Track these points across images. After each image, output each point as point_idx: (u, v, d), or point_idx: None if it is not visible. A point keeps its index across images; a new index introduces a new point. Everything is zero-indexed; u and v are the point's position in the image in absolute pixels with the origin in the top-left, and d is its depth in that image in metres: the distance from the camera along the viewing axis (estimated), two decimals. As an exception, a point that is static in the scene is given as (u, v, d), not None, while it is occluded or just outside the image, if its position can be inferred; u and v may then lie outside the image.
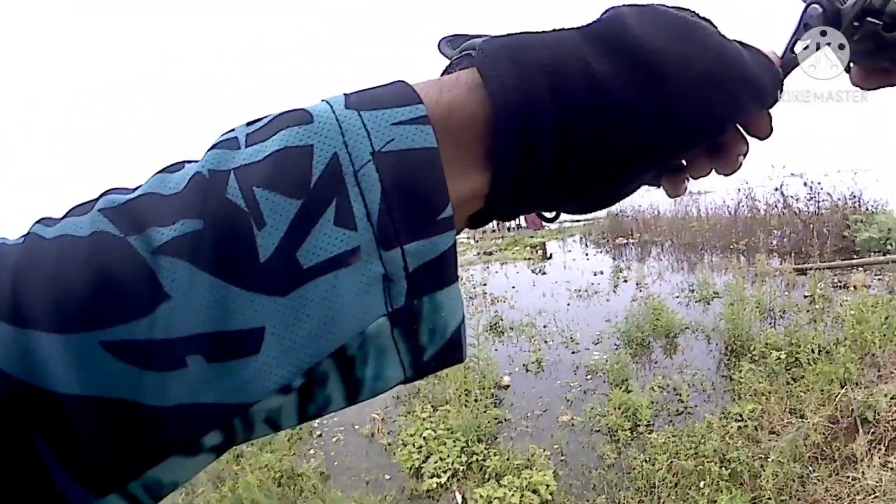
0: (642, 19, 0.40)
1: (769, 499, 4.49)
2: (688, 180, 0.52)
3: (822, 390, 5.79)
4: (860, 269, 12.43)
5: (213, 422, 0.32)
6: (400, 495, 5.92)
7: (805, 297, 10.24)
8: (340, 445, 7.18)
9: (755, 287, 10.76)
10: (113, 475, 0.31)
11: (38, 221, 0.35)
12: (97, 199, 0.35)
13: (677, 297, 11.41)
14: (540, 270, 17.50)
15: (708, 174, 0.50)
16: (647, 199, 25.80)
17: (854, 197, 17.37)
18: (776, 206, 18.56)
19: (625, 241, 22.61)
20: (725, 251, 17.29)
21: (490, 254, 23.87)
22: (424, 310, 0.35)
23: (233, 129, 0.37)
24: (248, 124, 0.37)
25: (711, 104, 0.40)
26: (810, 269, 12.68)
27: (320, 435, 7.45)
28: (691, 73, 0.40)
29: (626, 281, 13.67)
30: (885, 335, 7.13)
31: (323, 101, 0.37)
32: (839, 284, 11.15)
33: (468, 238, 35.68)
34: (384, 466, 6.46)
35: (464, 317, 0.41)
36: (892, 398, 5.35)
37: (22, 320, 0.30)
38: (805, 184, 17.94)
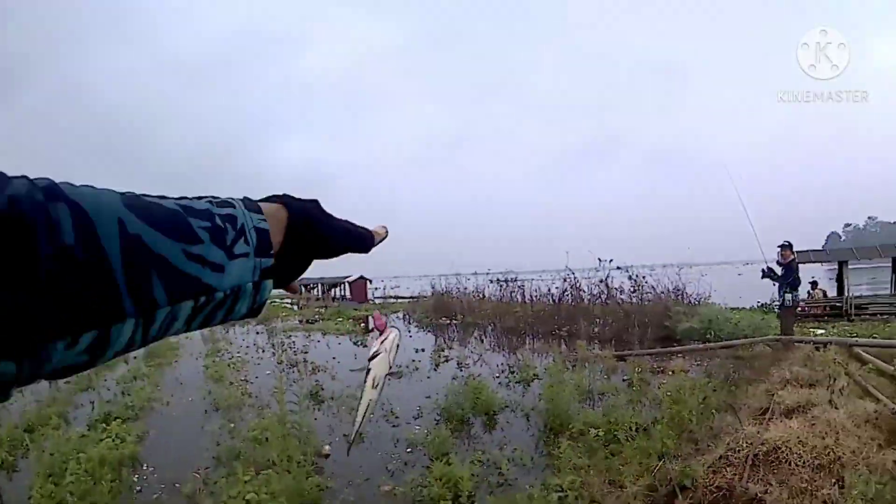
0: (318, 207, 0.78)
1: None
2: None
3: (641, 463, 6.07)
4: (679, 355, 13.04)
5: (200, 292, 0.58)
6: None
7: (624, 380, 10.72)
8: (159, 505, 6.84)
9: (576, 371, 11.10)
10: (159, 301, 0.54)
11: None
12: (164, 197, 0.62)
13: (497, 377, 11.59)
14: (362, 343, 17.39)
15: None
16: (473, 282, 26.44)
17: (677, 290, 18.82)
18: (601, 296, 19.65)
19: (448, 322, 22.88)
20: (548, 336, 17.72)
21: (312, 322, 23.56)
22: (263, 285, 0.67)
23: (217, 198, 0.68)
24: (214, 201, 0.66)
25: (359, 241, 0.83)
26: (630, 355, 13.38)
27: (140, 490, 7.01)
28: (352, 231, 0.82)
29: (447, 360, 13.80)
30: (702, 413, 7.69)
31: (237, 199, 0.69)
32: (658, 370, 11.76)
33: (291, 304, 35.31)
34: None
35: (271, 291, 0.71)
36: (708, 467, 5.75)
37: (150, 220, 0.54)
38: (630, 277, 19.25)
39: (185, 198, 0.65)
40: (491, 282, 26.34)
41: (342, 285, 37.04)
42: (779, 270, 13.40)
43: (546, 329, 18.73)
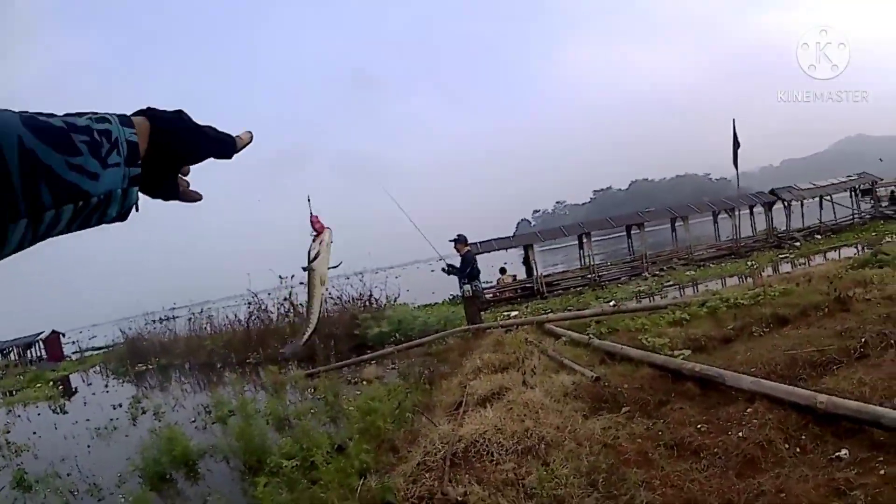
0: (180, 116, 0.92)
1: None
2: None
3: (342, 485, 5.79)
4: (371, 363, 13.27)
5: (79, 196, 0.73)
6: None
7: (318, 398, 10.76)
8: None
9: (273, 398, 11.14)
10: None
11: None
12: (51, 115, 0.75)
13: (193, 421, 11.54)
14: (61, 409, 16.55)
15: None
16: (163, 324, 25.44)
17: (362, 297, 18.73)
18: (287, 314, 19.24)
19: (144, 367, 22.16)
20: (242, 365, 17.50)
21: (13, 393, 21.91)
22: (130, 192, 0.81)
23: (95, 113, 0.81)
24: (94, 117, 0.80)
25: (222, 145, 0.98)
26: (320, 371, 13.32)
27: None
28: (214, 136, 0.96)
29: (144, 412, 13.47)
30: (397, 419, 7.65)
31: (115, 115, 0.82)
32: (354, 381, 11.91)
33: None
34: None
35: (137, 197, 0.85)
36: (409, 476, 5.61)
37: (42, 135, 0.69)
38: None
39: (70, 114, 0.77)
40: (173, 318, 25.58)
41: (36, 345, 34.01)
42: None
43: (239, 357, 18.53)
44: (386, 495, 5.35)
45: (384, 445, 6.99)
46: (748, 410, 5.27)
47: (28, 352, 34.68)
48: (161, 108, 0.89)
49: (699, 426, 5.33)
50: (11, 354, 35.69)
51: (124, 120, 0.82)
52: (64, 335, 35.75)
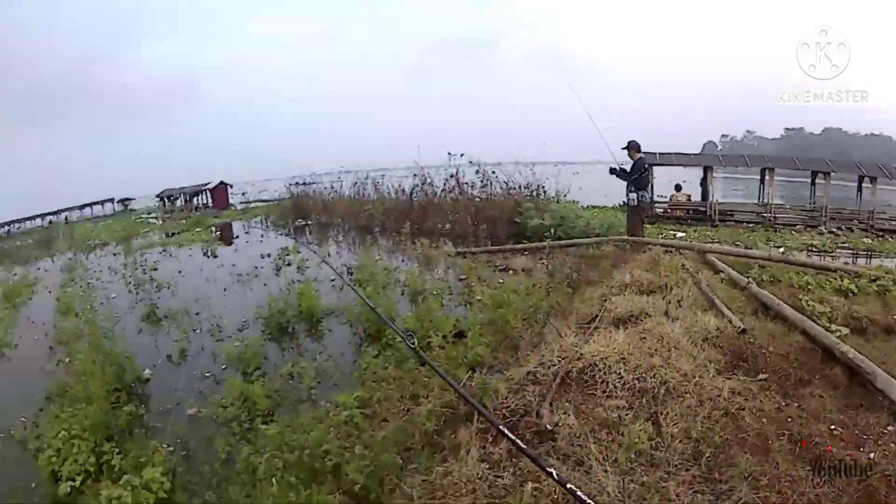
0: None
1: (360, 487, 4.28)
2: None
3: (449, 373, 5.44)
4: (523, 253, 12.72)
5: None
6: (40, 501, 5.52)
7: (461, 280, 10.52)
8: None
9: (416, 271, 10.96)
10: None
11: None
12: None
13: (333, 280, 11.40)
14: (212, 253, 17.01)
15: None
16: (329, 179, 25.78)
17: (530, 186, 18.00)
18: (452, 191, 18.97)
19: (303, 223, 22.48)
20: (397, 233, 17.25)
21: (172, 236, 22.67)
22: None
23: None
24: None
25: None
26: (471, 252, 13.09)
27: None
28: None
29: (289, 264, 13.56)
30: (530, 317, 7.26)
31: None
32: (501, 268, 11.47)
33: (154, 217, 33.89)
34: (30, 474, 5.88)
35: None
36: (514, 383, 5.31)
37: None
38: (476, 171, 18.46)
39: None
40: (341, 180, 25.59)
41: (203, 193, 35.43)
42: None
43: (396, 227, 18.11)
44: (483, 397, 5.02)
45: (507, 342, 6.65)
46: (889, 428, 4.42)
47: (195, 199, 36.28)
48: None
49: (833, 427, 4.49)
50: (178, 201, 37.41)
51: None
52: (231, 186, 36.93)
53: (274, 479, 4.49)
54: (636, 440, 4.16)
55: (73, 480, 5.58)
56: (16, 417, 6.80)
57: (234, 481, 4.84)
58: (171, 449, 5.68)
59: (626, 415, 4.64)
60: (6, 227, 38.04)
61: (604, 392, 5.02)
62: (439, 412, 5.04)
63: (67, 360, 8.26)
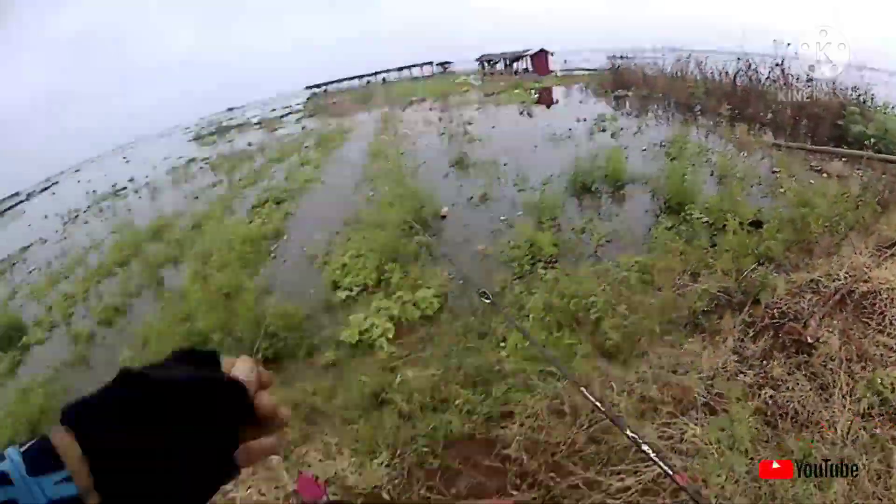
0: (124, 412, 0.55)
1: (612, 344, 4.45)
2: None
3: (734, 261, 5.53)
4: (840, 158, 11.55)
5: None
6: (316, 305, 6.29)
7: (773, 172, 9.87)
8: (287, 265, 7.70)
9: (729, 155, 10.44)
10: None
11: None
12: None
13: (645, 149, 11.06)
14: (528, 113, 17.14)
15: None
16: (652, 55, 24.93)
17: (857, 90, 15.59)
18: (777, 80, 17.24)
19: (624, 94, 21.67)
20: (716, 115, 16.43)
21: (491, 95, 23.26)
22: None
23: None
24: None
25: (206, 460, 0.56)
26: (788, 147, 12.24)
27: (274, 257, 8.01)
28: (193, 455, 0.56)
29: (604, 130, 13.27)
30: (829, 225, 6.66)
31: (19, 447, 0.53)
32: (815, 169, 10.56)
33: (473, 80, 34.96)
34: (313, 283, 6.81)
35: None
36: (793, 286, 5.12)
37: None
38: (810, 67, 16.76)
39: None
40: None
41: (524, 59, 35.17)
42: None
43: (716, 108, 17.07)
44: (761, 292, 4.96)
45: (801, 244, 6.34)
46: None
47: (515, 64, 36.20)
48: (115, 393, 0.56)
49: None
50: (498, 65, 37.86)
51: (39, 463, 0.54)
52: (552, 54, 35.97)
53: (531, 317, 4.68)
54: (885, 387, 3.81)
55: (351, 290, 6.25)
56: (314, 237, 7.81)
57: (495, 313, 4.96)
58: (451, 276, 5.97)
59: (891, 357, 4.21)
60: (323, 87, 41.21)
61: (878, 325, 4.60)
62: (713, 294, 5.04)
63: (371, 194, 8.91)
